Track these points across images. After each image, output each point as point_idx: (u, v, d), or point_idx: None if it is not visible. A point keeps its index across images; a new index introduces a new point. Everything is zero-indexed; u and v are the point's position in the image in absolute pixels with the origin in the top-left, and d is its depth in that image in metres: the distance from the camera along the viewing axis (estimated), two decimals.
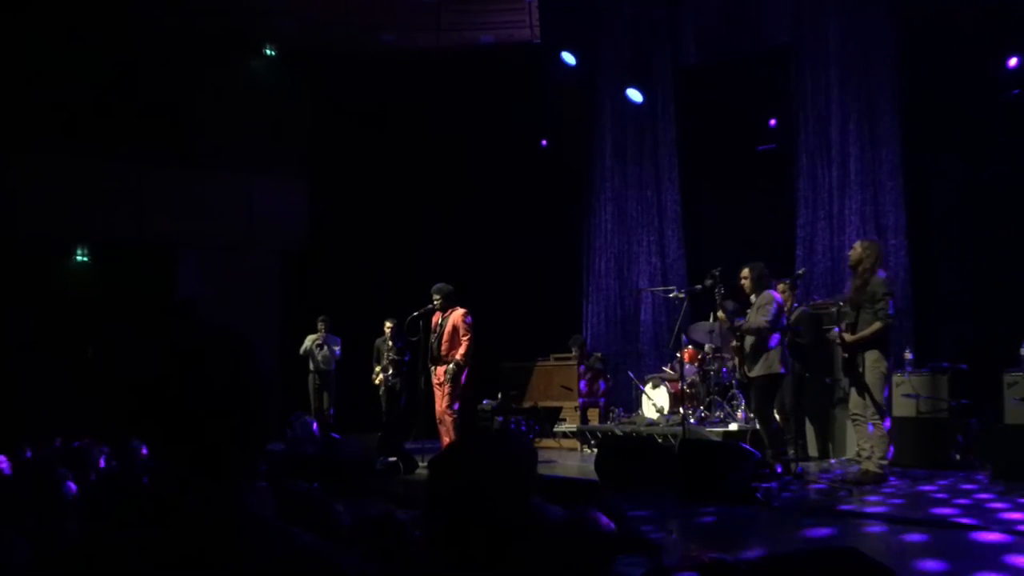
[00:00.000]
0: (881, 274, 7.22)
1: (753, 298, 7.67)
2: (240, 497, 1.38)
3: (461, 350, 9.18)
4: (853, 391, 7.31)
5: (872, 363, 7.10)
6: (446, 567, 1.72)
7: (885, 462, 7.19)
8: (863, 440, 7.29)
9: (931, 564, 5.17)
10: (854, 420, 7.41)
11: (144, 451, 5.20)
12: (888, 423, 7.34)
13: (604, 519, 2.50)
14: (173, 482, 1.37)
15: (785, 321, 7.78)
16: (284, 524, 1.39)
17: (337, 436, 9.88)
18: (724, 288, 8.04)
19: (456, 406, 9.25)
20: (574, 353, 11.56)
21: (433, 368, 9.40)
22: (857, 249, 7.27)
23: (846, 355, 7.25)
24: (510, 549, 1.69)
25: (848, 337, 7.14)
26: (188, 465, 1.37)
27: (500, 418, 10.60)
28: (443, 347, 9.30)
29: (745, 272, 7.69)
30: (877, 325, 7.02)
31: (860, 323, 7.12)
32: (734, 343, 8.03)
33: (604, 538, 2.39)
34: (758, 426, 7.96)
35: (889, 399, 8.40)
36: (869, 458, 7.20)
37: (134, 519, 1.38)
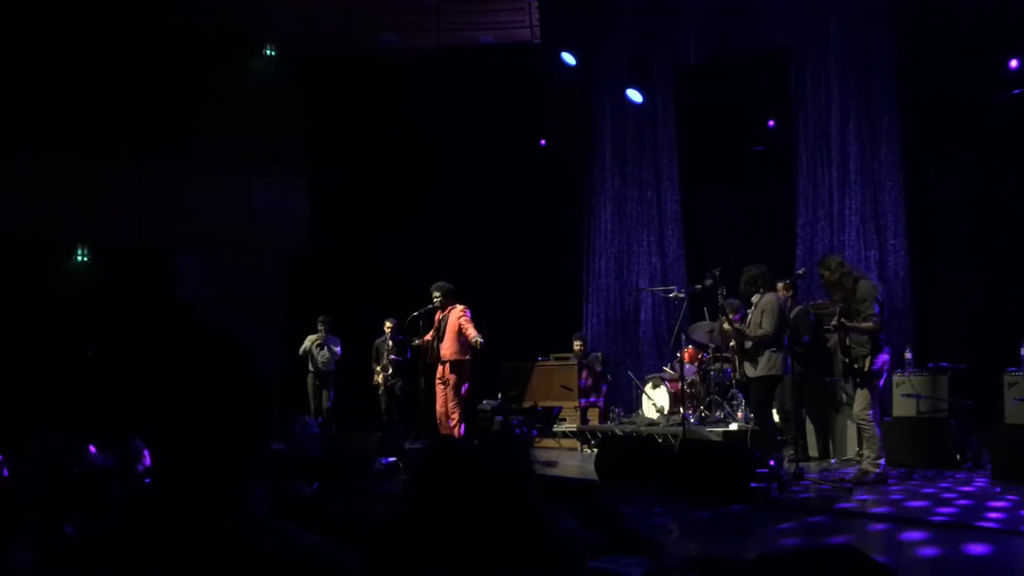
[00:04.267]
0: (872, 280, 7.27)
1: (754, 299, 7.69)
2: (242, 497, 1.38)
3: (471, 332, 9.20)
4: (857, 393, 7.31)
5: (870, 364, 7.12)
6: (439, 565, 1.72)
7: (881, 460, 7.20)
8: (869, 442, 7.31)
9: (931, 564, 5.18)
10: (860, 423, 7.41)
11: (144, 450, 5.20)
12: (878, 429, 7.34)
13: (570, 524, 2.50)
14: (175, 481, 1.37)
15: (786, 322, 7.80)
16: (286, 524, 1.39)
17: (336, 436, 9.89)
18: (725, 290, 8.04)
19: (464, 390, 9.33)
20: (577, 347, 11.52)
21: (430, 364, 9.44)
22: (827, 275, 7.30)
23: (846, 360, 7.25)
24: (502, 547, 1.69)
25: (845, 323, 7.13)
26: (190, 464, 1.36)
27: (500, 418, 10.60)
28: (444, 345, 9.31)
29: (743, 275, 7.74)
30: (867, 325, 7.05)
31: None
32: (733, 343, 8.05)
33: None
34: (756, 425, 7.97)
35: (890, 399, 8.42)
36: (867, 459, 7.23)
37: (137, 518, 1.38)
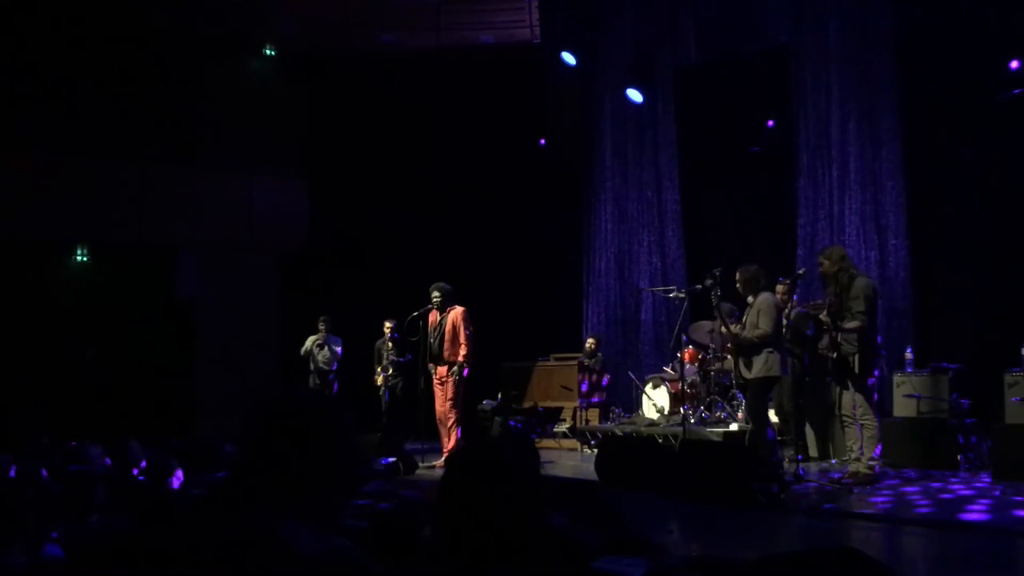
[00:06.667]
0: (866, 279, 7.28)
1: (750, 299, 7.68)
2: (290, 502, 1.54)
3: (462, 351, 9.17)
4: (844, 393, 7.30)
5: (860, 362, 7.10)
6: (456, 566, 1.72)
7: (875, 462, 7.19)
8: (852, 441, 7.31)
9: (930, 564, 5.18)
10: (843, 422, 7.43)
11: (136, 450, 5.21)
12: (878, 421, 7.33)
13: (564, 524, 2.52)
14: (247, 489, 1.55)
15: (782, 322, 7.80)
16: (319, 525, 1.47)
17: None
18: (721, 290, 8.03)
19: (459, 409, 9.27)
20: (589, 344, 11.54)
21: (433, 367, 9.40)
22: (826, 264, 7.25)
23: (834, 355, 7.23)
24: (519, 554, 1.70)
25: (833, 320, 7.11)
26: (266, 483, 1.55)
27: (500, 418, 10.60)
28: (443, 346, 9.30)
29: (737, 275, 7.73)
30: (855, 323, 7.03)
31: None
32: (730, 344, 8.04)
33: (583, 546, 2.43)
34: (752, 426, 7.97)
35: (890, 399, 8.41)
36: (858, 459, 7.21)
37: (171, 519, 1.51)
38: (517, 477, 1.77)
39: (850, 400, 7.23)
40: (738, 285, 7.76)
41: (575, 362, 11.51)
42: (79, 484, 4.49)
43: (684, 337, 9.72)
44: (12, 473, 5.03)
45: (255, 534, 1.41)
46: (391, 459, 8.76)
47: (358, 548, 1.46)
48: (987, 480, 7.24)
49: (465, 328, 9.19)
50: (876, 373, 7.41)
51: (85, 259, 12.50)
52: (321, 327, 11.91)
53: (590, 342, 11.65)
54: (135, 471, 5.06)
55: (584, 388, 11.36)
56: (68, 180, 12.18)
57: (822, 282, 7.45)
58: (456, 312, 9.27)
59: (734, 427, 9.03)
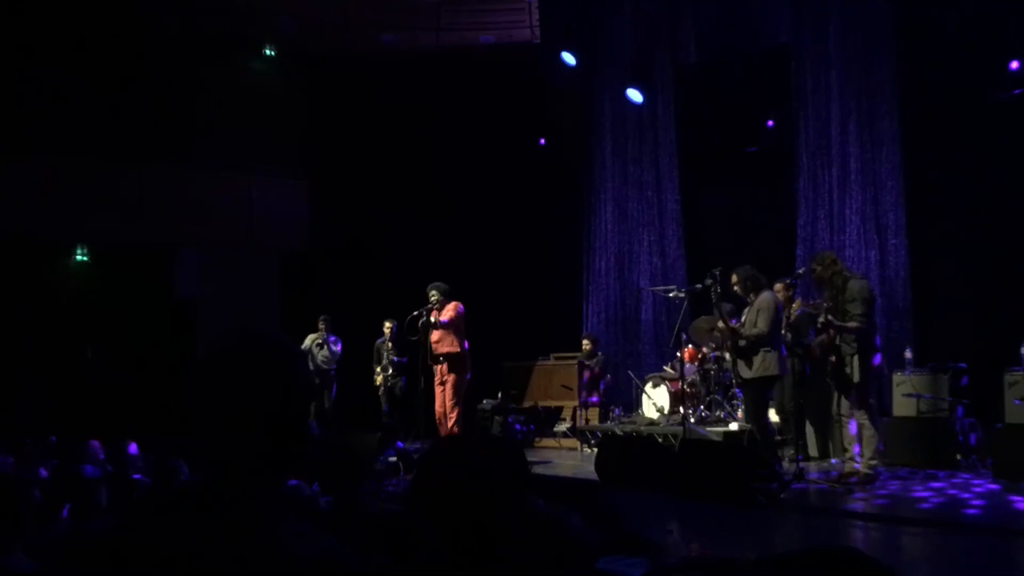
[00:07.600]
0: (861, 280, 7.28)
1: (751, 297, 7.69)
2: (274, 496, 1.46)
3: (444, 317, 9.17)
4: (853, 395, 7.30)
5: (860, 365, 7.11)
6: (441, 563, 1.72)
7: (875, 462, 7.19)
8: (848, 441, 7.32)
9: (930, 564, 5.18)
10: (841, 422, 7.44)
11: (135, 450, 5.21)
12: (878, 422, 7.33)
13: (578, 523, 2.50)
14: (218, 479, 1.44)
15: (783, 322, 7.80)
16: (310, 523, 1.44)
17: (337, 436, 9.88)
18: (719, 288, 8.03)
19: (459, 408, 9.28)
20: (586, 346, 11.54)
21: (434, 367, 9.42)
22: (818, 270, 7.26)
23: (833, 359, 7.22)
24: (499, 546, 1.70)
25: (832, 320, 7.10)
26: (229, 465, 1.44)
27: (500, 417, 10.60)
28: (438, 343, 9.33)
29: (734, 278, 7.74)
30: (852, 324, 7.02)
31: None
32: (728, 343, 8.05)
33: (581, 541, 2.41)
34: (753, 426, 7.97)
35: (890, 399, 8.41)
36: (853, 458, 7.22)
37: (178, 512, 1.43)
38: (486, 478, 1.76)
39: (845, 401, 7.24)
40: (736, 288, 7.78)
41: (575, 362, 11.49)
42: (78, 485, 4.50)
43: (684, 336, 9.73)
44: (11, 472, 5.03)
45: (244, 534, 1.37)
46: (391, 459, 8.77)
47: (349, 548, 1.44)
48: (987, 479, 7.24)
49: (453, 317, 9.21)
50: (874, 374, 7.41)
51: (85, 259, 12.49)
52: (321, 327, 11.91)
53: (586, 343, 11.62)
54: (134, 472, 5.06)
55: (584, 388, 11.35)
56: (68, 180, 12.16)
57: (817, 287, 7.48)
58: (449, 306, 9.30)
59: (734, 427, 9.03)
